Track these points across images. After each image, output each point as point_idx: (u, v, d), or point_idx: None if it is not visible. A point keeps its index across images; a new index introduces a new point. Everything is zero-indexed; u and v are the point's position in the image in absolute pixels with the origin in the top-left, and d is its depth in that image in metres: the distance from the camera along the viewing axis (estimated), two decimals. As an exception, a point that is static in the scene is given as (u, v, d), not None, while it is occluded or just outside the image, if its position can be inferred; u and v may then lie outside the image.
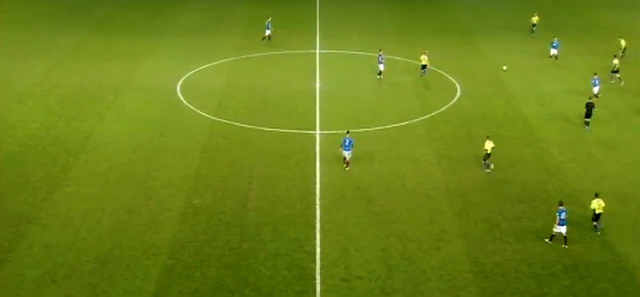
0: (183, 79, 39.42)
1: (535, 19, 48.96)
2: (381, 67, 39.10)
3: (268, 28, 47.65)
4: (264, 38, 47.53)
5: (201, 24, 53.51)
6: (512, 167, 28.59)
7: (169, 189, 26.77)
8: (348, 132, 29.18)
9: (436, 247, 23.26)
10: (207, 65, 42.33)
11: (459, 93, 37.47)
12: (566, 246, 23.01)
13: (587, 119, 32.42)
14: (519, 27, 50.39)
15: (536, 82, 39.17)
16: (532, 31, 48.49)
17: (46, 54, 43.56)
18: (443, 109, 35.22)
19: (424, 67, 39.97)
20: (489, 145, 28.34)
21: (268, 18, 48.55)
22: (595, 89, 36.09)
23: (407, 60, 43.55)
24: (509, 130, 32.44)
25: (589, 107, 32.43)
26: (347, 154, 28.44)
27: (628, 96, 36.55)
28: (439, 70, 41.16)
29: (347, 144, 28.40)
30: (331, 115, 34.43)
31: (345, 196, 26.46)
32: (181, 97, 36.44)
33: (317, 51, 46.27)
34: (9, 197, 25.94)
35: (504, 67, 39.71)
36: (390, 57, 44.46)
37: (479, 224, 24.58)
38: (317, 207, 25.51)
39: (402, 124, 33.25)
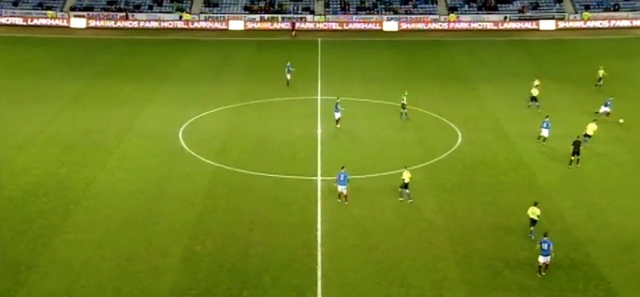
0: (185, 125, 39.78)
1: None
2: (337, 115, 38.90)
3: (289, 71, 48.12)
4: (288, 83, 47.93)
5: (203, 70, 54.22)
6: (514, 214, 28.71)
7: (170, 235, 26.84)
8: (343, 168, 29.61)
9: (439, 294, 23.42)
10: (209, 111, 42.75)
11: (460, 139, 37.83)
12: (543, 274, 23.88)
13: (575, 156, 32.91)
14: (518, 73, 51.12)
15: (536, 128, 39.62)
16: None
17: (50, 100, 44.08)
18: (444, 155, 35.50)
19: (403, 107, 40.47)
20: (406, 175, 29.70)
21: (288, 62, 49.03)
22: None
23: (410, 107, 44.04)
24: (510, 177, 32.68)
25: (577, 145, 33.08)
26: (342, 189, 28.90)
27: (629, 142, 36.84)
28: (440, 117, 41.59)
29: (342, 179, 28.98)
30: (333, 161, 34.60)
31: (346, 243, 26.50)
32: (183, 143, 36.76)
33: (319, 97, 46.79)
34: (9, 243, 26.16)
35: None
36: (391, 103, 45.06)
37: (482, 271, 24.64)
38: (319, 254, 25.53)
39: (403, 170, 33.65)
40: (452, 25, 72.72)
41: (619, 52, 59.04)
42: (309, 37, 69.99)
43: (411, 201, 29.73)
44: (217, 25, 73.33)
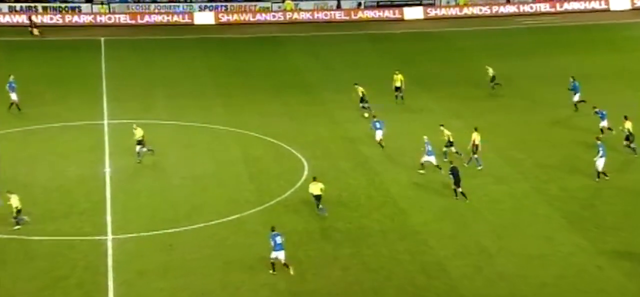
0: None
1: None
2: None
3: (12, 89, 46.93)
4: (11, 105, 46.72)
5: None
6: (383, 270, 30.02)
7: None
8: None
9: None
10: None
11: (306, 171, 39.01)
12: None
13: (457, 187, 35.43)
14: (378, 77, 54.32)
15: (404, 148, 42.10)
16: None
17: None
18: (286, 194, 36.39)
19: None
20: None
21: (10, 76, 47.82)
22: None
23: (235, 130, 44.82)
24: (375, 219, 34.19)
25: (455, 172, 35.42)
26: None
27: (523, 165, 40.39)
28: (278, 142, 42.62)
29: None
30: (129, 211, 34.33)
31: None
32: None
33: (105, 121, 46.27)
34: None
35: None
36: (211, 125, 45.52)
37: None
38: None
39: (232, 218, 33.93)
40: (289, 16, 75.55)
41: (501, 47, 65.49)
42: (86, 35, 68.50)
43: (326, 215, 33.71)
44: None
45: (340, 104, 49.79)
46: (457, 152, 39.34)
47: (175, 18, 73.55)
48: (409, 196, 36.44)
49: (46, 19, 71.55)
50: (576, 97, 47.25)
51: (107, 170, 38.84)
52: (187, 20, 73.68)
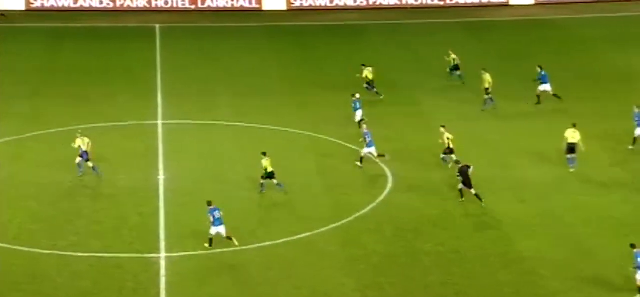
0: None
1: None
2: None
3: None
4: None
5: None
6: (482, 303, 29.98)
7: None
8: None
9: None
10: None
11: (390, 184, 38.95)
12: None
13: (467, 188, 36.15)
14: (478, 75, 53.79)
15: (510, 162, 41.60)
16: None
17: None
18: (366, 210, 36.32)
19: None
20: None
21: None
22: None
23: (309, 133, 45.02)
24: (473, 243, 33.83)
25: (464, 171, 36.22)
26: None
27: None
28: (359, 149, 42.40)
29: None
30: (185, 226, 34.67)
31: None
32: None
33: (160, 122, 46.92)
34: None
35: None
36: (281, 128, 45.89)
37: None
38: None
39: (303, 236, 34.02)
40: (373, 0, 75.46)
41: (630, 38, 63.89)
42: (139, 21, 69.88)
43: (286, 192, 36.55)
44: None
45: (434, 105, 49.58)
46: (457, 162, 38.52)
47: (241, 3, 74.28)
48: (515, 217, 35.94)
49: (95, 2, 73.26)
50: (542, 88, 48.13)
51: (161, 178, 39.38)
52: (254, 5, 74.32)
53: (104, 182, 38.84)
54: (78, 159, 38.93)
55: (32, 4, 72.32)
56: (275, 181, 37.12)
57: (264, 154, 37.65)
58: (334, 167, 40.97)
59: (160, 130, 45.63)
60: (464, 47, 62.04)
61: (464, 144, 42.63)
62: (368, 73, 50.53)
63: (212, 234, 32.47)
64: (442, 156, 40.21)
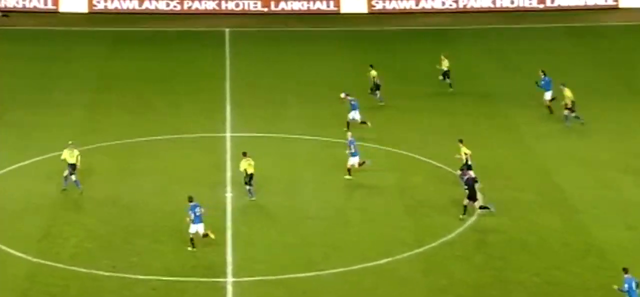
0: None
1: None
2: None
3: None
4: None
5: (10, 86, 54.57)
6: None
7: None
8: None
9: None
10: (19, 164, 42.84)
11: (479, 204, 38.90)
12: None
13: (471, 202, 36.53)
14: (582, 87, 53.01)
15: (615, 183, 40.84)
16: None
17: None
18: (453, 234, 36.09)
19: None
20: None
21: None
22: None
23: (389, 148, 44.92)
24: (573, 273, 33.33)
25: (470, 183, 36.53)
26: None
27: None
28: (443, 166, 42.35)
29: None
30: (254, 247, 34.86)
31: None
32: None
33: (228, 134, 47.34)
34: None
35: None
36: (360, 143, 45.77)
37: None
38: None
39: (382, 262, 33.83)
40: (463, 3, 75.01)
41: None
42: (207, 25, 70.66)
43: (254, 199, 38.09)
44: (37, 3, 73.65)
45: (529, 119, 49.20)
46: (462, 170, 38.73)
47: (318, 5, 74.66)
48: (621, 245, 35.23)
49: (161, 4, 74.40)
50: (548, 96, 48.96)
51: (229, 195, 39.57)
52: (332, 8, 74.61)
53: (167, 198, 39.23)
54: (65, 172, 39.50)
55: (95, 6, 73.84)
56: (248, 186, 38.57)
57: (244, 154, 38.96)
58: (417, 186, 40.74)
59: (228, 143, 45.97)
60: (565, 55, 61.36)
61: (561, 162, 42.02)
62: (372, 74, 51.58)
63: (191, 234, 34.12)
64: (458, 172, 39.98)
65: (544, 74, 49.57)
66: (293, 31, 69.83)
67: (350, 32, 69.18)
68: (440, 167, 42.15)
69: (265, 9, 74.39)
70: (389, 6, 74.78)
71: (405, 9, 74.59)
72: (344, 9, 74.51)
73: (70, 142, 40.70)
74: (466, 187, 36.63)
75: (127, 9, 74.25)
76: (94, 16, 73.34)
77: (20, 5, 73.65)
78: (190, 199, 34.44)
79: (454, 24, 71.06)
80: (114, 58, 62.44)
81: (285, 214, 38.03)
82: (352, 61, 61.05)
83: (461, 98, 52.93)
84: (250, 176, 38.51)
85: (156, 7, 74.29)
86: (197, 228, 34.15)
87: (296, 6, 74.60)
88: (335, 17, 73.86)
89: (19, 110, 50.69)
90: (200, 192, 39.77)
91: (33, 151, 43.56)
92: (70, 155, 39.65)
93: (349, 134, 42.27)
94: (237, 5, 74.55)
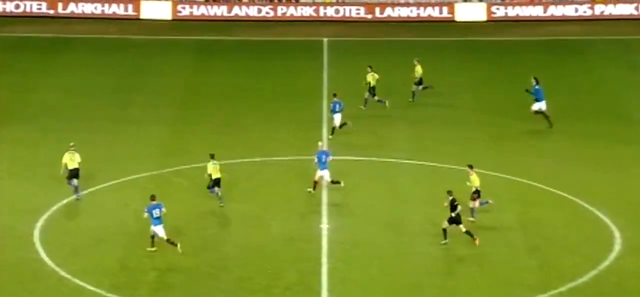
0: (46, 215, 40.37)
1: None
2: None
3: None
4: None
5: (85, 102, 55.80)
6: None
7: None
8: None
9: None
10: (98, 186, 43.60)
11: (619, 245, 38.00)
12: None
13: (455, 224, 37.23)
14: None
15: None
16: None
17: None
18: (585, 278, 35.53)
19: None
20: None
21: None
22: None
23: (509, 177, 44.56)
24: None
25: (454, 206, 37.11)
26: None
27: None
28: (575, 199, 41.96)
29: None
30: (353, 286, 34.90)
31: None
32: (43, 254, 37.12)
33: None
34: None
35: None
36: (475, 170, 45.49)
37: None
38: None
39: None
40: (600, 9, 73.93)
41: None
42: (303, 34, 71.18)
43: (222, 205, 40.05)
44: (117, 9, 75.24)
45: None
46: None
47: (430, 12, 74.59)
48: None
49: (253, 11, 75.17)
50: (536, 107, 50.19)
51: (324, 226, 39.57)
52: (446, 15, 74.48)
53: (255, 229, 39.49)
54: (75, 181, 40.59)
55: (180, 12, 75.02)
56: (217, 189, 40.44)
57: (212, 156, 40.79)
58: (541, 221, 40.31)
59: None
60: None
61: None
62: (371, 78, 53.29)
63: (152, 232, 36.29)
64: (470, 203, 39.73)
65: (537, 82, 50.05)
66: (400, 41, 69.80)
67: (465, 42, 68.81)
68: (572, 200, 41.66)
69: (369, 16, 74.63)
70: (512, 13, 74.24)
71: (530, 16, 73.92)
72: (459, 17, 74.30)
73: (72, 144, 41.75)
74: (451, 208, 37.12)
75: (215, 15, 75.25)
76: (178, 23, 74.59)
77: (98, 11, 75.26)
78: (152, 198, 36.41)
79: (587, 33, 70.10)
80: (199, 70, 63.31)
81: (388, 249, 37.83)
82: (467, 73, 60.75)
83: (595, 117, 52.20)
84: (217, 181, 40.25)
85: (247, 13, 75.15)
86: (155, 230, 35.98)
87: (404, 13, 74.65)
88: (449, 25, 73.70)
89: (93, 128, 51.70)
90: (292, 222, 40.20)
91: (109, 174, 44.26)
92: (71, 159, 40.68)
93: (320, 143, 43.14)
94: (337, 11, 74.95)
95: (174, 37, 71.38)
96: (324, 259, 36.99)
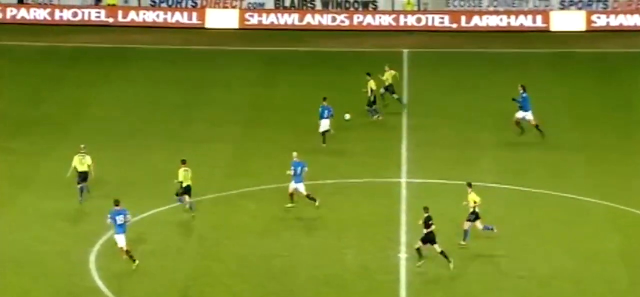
0: (102, 241, 40.69)
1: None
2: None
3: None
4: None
5: (144, 118, 56.68)
6: None
7: None
8: (117, 203, 37.68)
9: None
10: (157, 209, 44.07)
11: None
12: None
13: (428, 244, 37.62)
14: None
15: None
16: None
17: None
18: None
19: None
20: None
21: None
22: None
23: (609, 203, 44.20)
24: None
25: (428, 223, 37.43)
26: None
27: None
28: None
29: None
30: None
31: None
32: (98, 281, 37.54)
33: (403, 179, 47.58)
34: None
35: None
36: (570, 195, 45.11)
37: None
38: None
39: None
40: None
41: None
42: (380, 45, 71.20)
43: (193, 213, 42.03)
44: (176, 17, 76.01)
45: None
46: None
47: (522, 21, 74.23)
48: None
49: (326, 19, 75.34)
50: (520, 115, 51.57)
51: (402, 256, 39.49)
52: (540, 24, 74.05)
53: (327, 259, 39.53)
54: (82, 184, 42.02)
55: (247, 21, 75.48)
56: (187, 198, 42.06)
57: (183, 161, 42.66)
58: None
59: (403, 191, 46.06)
60: None
61: None
62: (372, 85, 54.49)
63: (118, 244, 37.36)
64: (466, 223, 40.20)
65: (524, 90, 51.53)
66: (489, 52, 69.47)
67: (561, 54, 68.34)
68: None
69: (454, 25, 74.45)
70: (614, 22, 73.47)
71: (635, 26, 73.06)
72: (555, 26, 73.79)
73: (82, 146, 42.99)
74: (425, 225, 37.50)
75: (286, 24, 75.58)
76: (246, 33, 75.08)
77: (160, 20, 76.00)
78: (116, 203, 37.51)
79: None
80: (268, 84, 63.53)
81: (474, 283, 37.61)
82: (564, 89, 60.38)
83: None
84: (187, 189, 42.07)
85: (320, 21, 75.35)
86: (117, 239, 37.16)
87: (494, 22, 74.32)
88: (543, 35, 73.31)
89: (151, 146, 52.38)
90: (368, 251, 40.08)
91: (169, 196, 44.56)
92: (80, 162, 42.03)
93: (295, 154, 43.55)
94: (418, 20, 74.80)
95: (241, 48, 71.79)
96: (403, 293, 36.84)
